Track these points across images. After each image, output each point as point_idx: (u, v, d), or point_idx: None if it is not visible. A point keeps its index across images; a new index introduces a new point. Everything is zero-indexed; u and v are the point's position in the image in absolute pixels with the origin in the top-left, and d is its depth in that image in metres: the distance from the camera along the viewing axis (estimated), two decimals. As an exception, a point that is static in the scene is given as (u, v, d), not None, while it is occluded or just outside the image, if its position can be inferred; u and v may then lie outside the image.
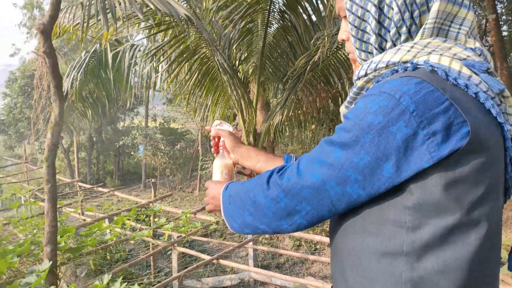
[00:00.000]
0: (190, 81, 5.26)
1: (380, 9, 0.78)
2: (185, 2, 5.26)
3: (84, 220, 5.30)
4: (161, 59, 5.15)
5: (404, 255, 0.70)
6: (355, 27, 0.83)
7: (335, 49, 4.69)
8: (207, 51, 4.88)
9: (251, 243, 4.77)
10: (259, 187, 0.83)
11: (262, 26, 4.95)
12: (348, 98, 0.88)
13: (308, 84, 5.27)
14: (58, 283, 2.51)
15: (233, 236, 7.06)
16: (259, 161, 1.12)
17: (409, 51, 0.76)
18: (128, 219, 4.07)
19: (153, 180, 5.94)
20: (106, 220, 4.76)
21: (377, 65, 0.79)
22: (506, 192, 0.81)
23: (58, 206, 2.44)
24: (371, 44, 0.82)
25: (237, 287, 5.10)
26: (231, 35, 4.85)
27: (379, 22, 0.79)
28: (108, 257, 5.27)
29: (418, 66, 0.74)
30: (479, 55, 0.77)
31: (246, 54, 5.45)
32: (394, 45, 0.80)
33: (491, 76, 0.75)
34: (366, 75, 0.82)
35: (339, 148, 0.73)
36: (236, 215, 0.89)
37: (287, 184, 0.77)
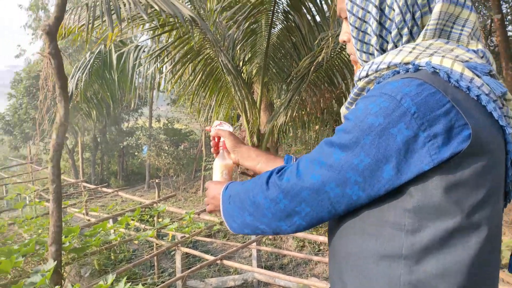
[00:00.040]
0: (194, 82, 5.26)
1: (381, 10, 0.78)
2: (189, 3, 5.28)
3: (89, 220, 5.31)
4: (165, 60, 5.17)
5: (403, 258, 0.70)
6: (356, 28, 0.82)
7: (339, 50, 4.68)
8: (211, 52, 4.88)
9: (254, 243, 4.77)
10: (259, 187, 0.82)
11: (266, 27, 4.95)
12: (348, 99, 0.87)
13: (312, 84, 5.26)
14: (63, 283, 2.52)
15: (236, 237, 7.06)
16: (260, 162, 1.11)
17: (410, 52, 0.75)
18: (132, 220, 4.07)
19: (157, 181, 5.96)
20: (110, 220, 4.78)
21: (378, 66, 0.78)
22: (506, 195, 0.80)
23: (62, 206, 2.45)
24: (372, 46, 0.81)
25: (240, 287, 5.10)
26: (235, 36, 4.85)
27: (380, 23, 0.79)
28: (112, 257, 5.29)
29: (419, 68, 0.73)
30: (482, 57, 0.76)
31: (250, 55, 5.45)
32: (396, 46, 0.79)
33: (493, 78, 0.74)
34: (367, 76, 0.81)
35: (339, 150, 0.72)
36: (236, 215, 0.88)
37: (286, 185, 0.77)
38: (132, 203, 8.38)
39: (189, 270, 3.46)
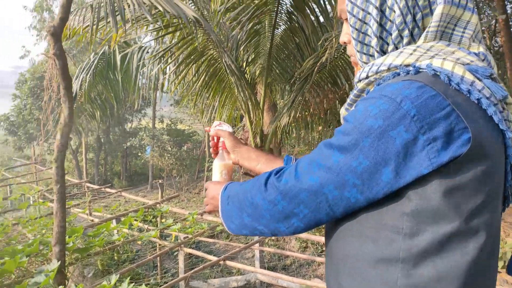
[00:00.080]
0: (198, 83, 5.27)
1: (381, 11, 0.77)
2: (193, 4, 5.29)
3: (92, 220, 5.33)
4: (169, 60, 5.18)
5: (400, 261, 0.69)
6: (356, 29, 0.81)
7: (342, 50, 4.67)
8: (215, 53, 4.89)
9: (257, 244, 4.76)
10: (257, 188, 0.82)
11: (270, 28, 4.95)
12: (348, 100, 0.87)
13: (315, 85, 5.26)
14: (66, 283, 2.53)
15: (239, 238, 7.06)
16: (260, 162, 1.11)
17: (411, 54, 0.74)
18: (136, 220, 4.09)
19: (160, 181, 5.97)
20: (114, 220, 4.79)
21: (378, 67, 0.78)
22: (505, 200, 0.80)
23: (66, 206, 2.46)
24: (372, 47, 0.81)
25: (243, 288, 5.10)
26: (238, 36, 4.86)
27: (381, 25, 0.78)
28: (115, 257, 5.31)
29: (420, 70, 0.73)
30: (483, 60, 0.75)
31: (253, 56, 5.46)
32: (396, 48, 0.78)
33: (494, 82, 0.73)
34: (367, 77, 0.81)
35: (338, 152, 0.72)
36: (234, 216, 0.88)
37: (284, 186, 0.76)
38: (135, 204, 8.41)
39: (192, 271, 3.46)
